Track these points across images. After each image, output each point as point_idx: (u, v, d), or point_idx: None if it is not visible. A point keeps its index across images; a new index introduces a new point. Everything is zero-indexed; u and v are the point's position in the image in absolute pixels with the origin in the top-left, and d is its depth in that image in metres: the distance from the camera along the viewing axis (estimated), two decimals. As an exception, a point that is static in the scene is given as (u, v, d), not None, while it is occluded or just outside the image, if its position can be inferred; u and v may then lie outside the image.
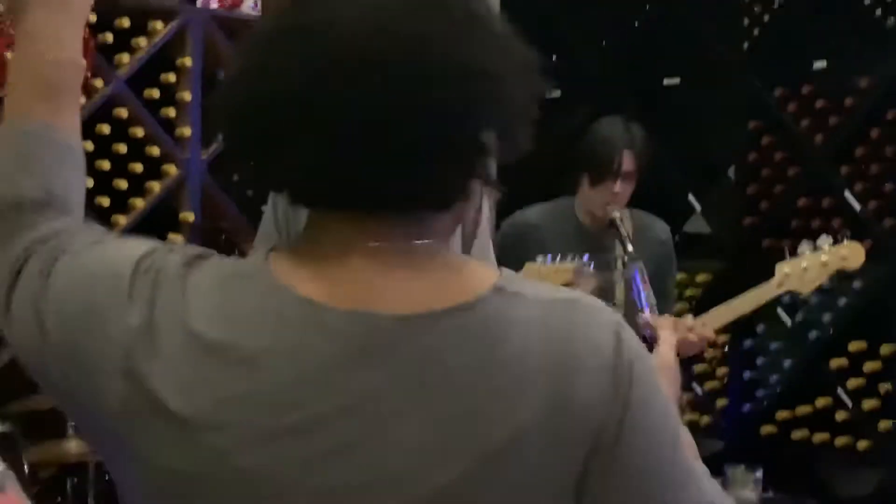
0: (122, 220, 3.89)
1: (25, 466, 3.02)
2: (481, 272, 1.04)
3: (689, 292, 4.18)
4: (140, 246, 1.02)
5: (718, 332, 3.37)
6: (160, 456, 0.96)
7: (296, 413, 0.95)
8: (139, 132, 3.93)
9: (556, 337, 0.98)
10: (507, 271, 1.08)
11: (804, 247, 2.83)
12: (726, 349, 4.12)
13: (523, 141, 1.03)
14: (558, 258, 2.81)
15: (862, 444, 3.71)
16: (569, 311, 1.01)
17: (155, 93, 3.97)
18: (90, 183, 3.80)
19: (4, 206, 1.10)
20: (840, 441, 3.75)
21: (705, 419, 4.07)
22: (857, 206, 3.73)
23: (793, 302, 3.83)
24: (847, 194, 3.75)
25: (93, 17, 3.77)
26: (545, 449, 0.96)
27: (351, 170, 0.96)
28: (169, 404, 0.93)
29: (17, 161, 1.12)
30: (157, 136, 3.97)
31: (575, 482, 0.98)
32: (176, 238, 3.99)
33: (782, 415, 3.91)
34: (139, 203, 3.93)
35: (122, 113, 3.89)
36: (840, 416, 3.77)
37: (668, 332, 1.41)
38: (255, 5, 4.22)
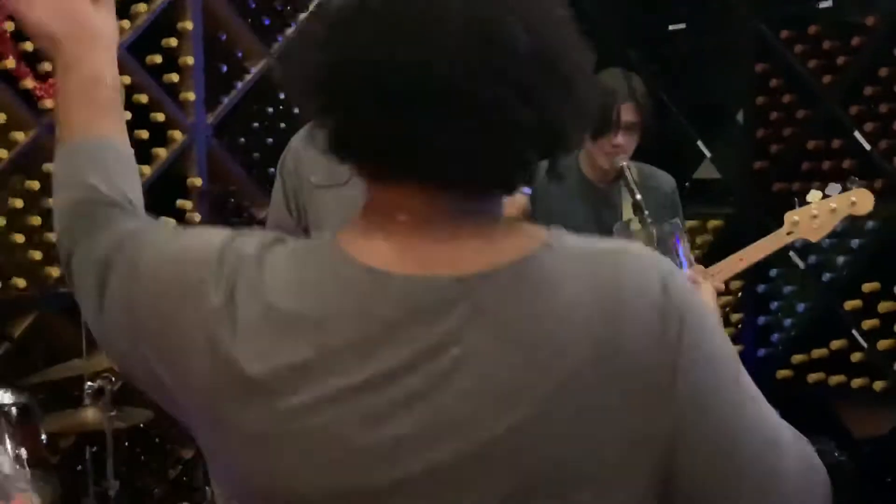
0: (129, 187, 3.90)
1: (43, 437, 3.03)
2: (532, 231, 1.09)
3: (700, 239, 4.19)
4: (220, 234, 1.10)
5: (730, 280, 3.38)
6: (243, 422, 1.03)
7: (361, 372, 1.01)
8: (143, 98, 3.94)
9: (604, 285, 1.03)
10: (555, 229, 1.11)
11: (813, 194, 2.82)
12: (740, 295, 4.13)
13: (586, 126, 1.13)
14: None
15: (878, 385, 3.73)
16: (616, 259, 1.06)
17: (157, 58, 3.98)
18: (96, 151, 3.82)
19: (85, 206, 1.21)
20: (856, 382, 3.78)
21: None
22: (867, 146, 3.72)
23: (806, 245, 3.83)
24: (857, 134, 3.74)
25: (91, -16, 3.78)
26: (599, 392, 1.00)
27: (429, 147, 1.01)
28: (247, 371, 1.01)
29: (91, 168, 1.24)
30: (161, 102, 3.98)
31: (642, 427, 1.01)
32: (185, 204, 4.00)
33: (798, 358, 3.93)
34: (146, 170, 3.93)
35: (125, 80, 3.87)
36: (856, 357, 3.79)
37: (708, 283, 1.44)
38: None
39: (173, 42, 4.01)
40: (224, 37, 4.17)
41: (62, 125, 1.30)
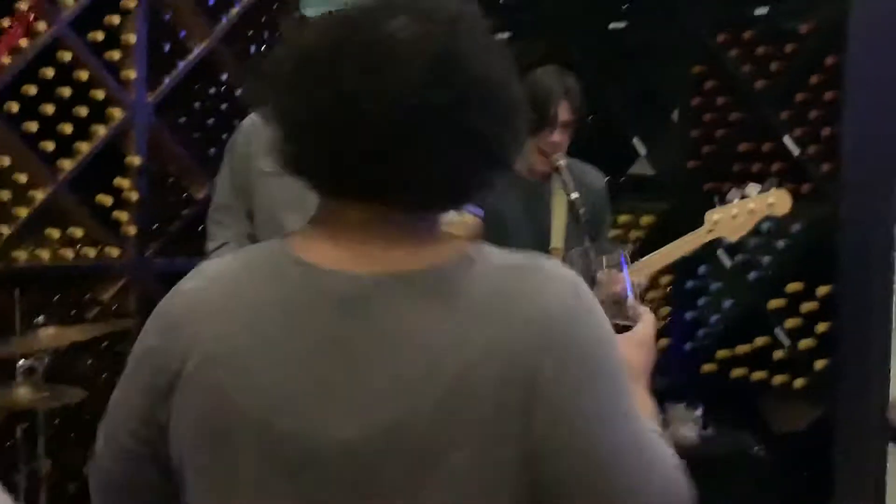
0: (67, 164, 3.87)
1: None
2: (458, 244, 1.20)
3: (634, 233, 4.24)
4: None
5: (657, 275, 3.45)
6: (192, 407, 1.18)
7: (281, 352, 1.14)
8: (83, 75, 3.90)
9: (508, 297, 1.13)
10: (485, 245, 1.21)
11: (734, 194, 2.88)
12: (669, 290, 4.18)
13: (519, 150, 1.21)
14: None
15: (798, 382, 3.79)
16: (525, 274, 1.17)
17: (99, 35, 3.93)
18: (34, 127, 3.78)
19: None
20: (777, 379, 3.84)
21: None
22: (796, 150, 3.78)
23: (733, 244, 3.88)
24: (787, 139, 3.80)
25: (34, -40, 3.74)
26: (488, 391, 1.10)
27: (369, 173, 1.14)
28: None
29: None
30: (102, 79, 3.94)
31: (520, 421, 1.10)
32: (122, 182, 3.98)
33: (722, 353, 3.98)
34: (84, 147, 3.91)
35: (66, 56, 3.85)
36: (777, 354, 3.85)
37: (650, 314, 1.48)
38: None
39: (116, 20, 3.96)
40: (168, 16, 4.14)
41: None
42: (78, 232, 3.91)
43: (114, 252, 3.98)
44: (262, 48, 4.36)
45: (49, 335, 3.29)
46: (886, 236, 3.77)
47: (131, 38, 3.98)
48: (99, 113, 3.95)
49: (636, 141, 4.35)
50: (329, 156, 1.16)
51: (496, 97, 1.16)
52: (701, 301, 4.07)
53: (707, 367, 4.01)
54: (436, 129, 1.12)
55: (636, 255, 3.57)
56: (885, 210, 3.76)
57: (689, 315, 4.06)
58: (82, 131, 3.91)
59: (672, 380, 4.04)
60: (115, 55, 3.97)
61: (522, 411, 1.10)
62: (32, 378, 3.22)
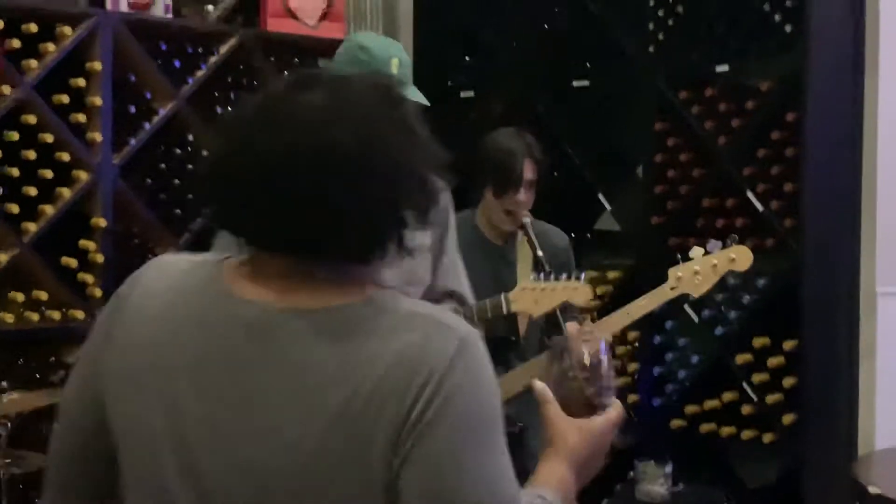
0: (31, 227, 3.86)
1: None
2: (367, 291, 1.30)
3: (600, 289, 4.23)
4: None
5: (624, 331, 3.44)
6: (117, 406, 1.34)
7: (192, 360, 1.29)
8: (48, 138, 3.90)
9: (394, 340, 1.23)
10: (392, 293, 1.33)
11: (695, 250, 2.90)
12: (636, 345, 4.18)
13: (428, 215, 1.32)
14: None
15: (767, 437, 3.78)
16: (419, 322, 1.26)
17: (64, 98, 3.94)
18: (0, 191, 3.77)
19: None
20: (746, 434, 3.82)
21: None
22: (759, 206, 3.79)
23: (700, 300, 3.89)
24: (750, 194, 3.82)
25: (0, 23, 3.74)
26: (365, 423, 1.19)
27: (284, 232, 1.28)
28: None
29: None
30: (67, 142, 3.94)
31: (387, 454, 1.19)
32: (87, 244, 3.96)
33: (691, 409, 3.96)
34: (49, 209, 3.90)
35: (31, 119, 3.85)
36: (746, 409, 3.84)
37: (619, 409, 1.49)
38: (167, 9, 4.19)
39: (81, 82, 3.97)
40: (133, 78, 4.14)
41: None
42: (42, 295, 3.89)
43: (79, 314, 3.94)
44: (228, 109, 4.37)
45: (12, 400, 3.26)
46: (850, 289, 3.81)
47: (97, 101, 3.97)
48: (64, 175, 3.93)
49: (601, 196, 4.36)
50: (251, 214, 1.29)
51: (395, 167, 1.27)
52: (668, 356, 4.06)
53: (676, 423, 3.98)
54: (340, 194, 1.24)
55: (603, 311, 3.60)
56: (848, 262, 3.81)
57: (656, 370, 4.04)
58: (47, 193, 3.90)
59: (641, 436, 4.03)
60: (81, 117, 3.96)
61: (391, 445, 1.19)
62: (-6, 445, 3.20)
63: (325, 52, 4.36)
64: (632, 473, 3.80)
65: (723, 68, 3.89)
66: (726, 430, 3.87)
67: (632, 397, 4.07)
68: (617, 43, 4.19)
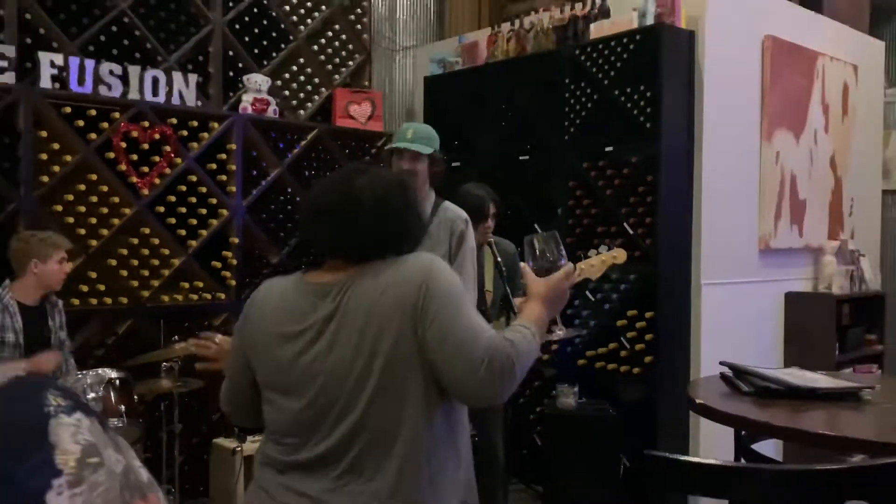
0: (193, 243, 3.90)
1: (136, 397, 3.02)
2: (372, 261, 1.42)
3: (535, 282, 4.25)
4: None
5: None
6: (258, 359, 1.46)
7: (292, 328, 1.40)
8: (203, 189, 3.95)
9: (398, 271, 1.38)
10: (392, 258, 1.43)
11: (592, 252, 2.92)
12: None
13: (418, 239, 1.49)
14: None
15: (635, 370, 3.80)
16: (407, 259, 1.41)
17: (213, 165, 4.00)
18: (173, 220, 3.81)
19: None
20: (623, 368, 3.85)
21: (545, 356, 4.08)
22: (630, 231, 3.82)
23: (595, 286, 3.94)
24: (625, 224, 3.84)
25: (173, 121, 3.79)
26: (397, 313, 1.33)
27: (332, 245, 1.46)
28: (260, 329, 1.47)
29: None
30: (214, 191, 3.98)
31: (414, 331, 1.33)
32: (227, 253, 4.01)
33: (590, 353, 3.97)
34: (204, 233, 3.95)
35: (193, 178, 3.91)
36: (623, 353, 3.86)
37: (568, 267, 1.59)
38: (276, 112, 4.24)
39: (223, 156, 4.03)
40: (255, 153, 4.21)
41: None
42: (199, 284, 3.94)
43: (221, 296, 4.00)
44: (313, 173, 4.42)
45: (181, 347, 3.30)
46: (685, 281, 3.86)
47: (233, 167, 4.03)
48: (213, 211, 3.99)
49: (536, 226, 4.36)
50: (320, 237, 1.46)
51: (391, 215, 1.44)
52: (576, 321, 4.06)
53: (581, 362, 3.99)
54: (364, 230, 1.41)
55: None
56: (685, 265, 3.85)
57: (553, 346, 4.00)
58: (203, 223, 3.95)
59: (559, 370, 4.04)
60: (223, 177, 4.02)
61: (412, 320, 1.33)
62: (171, 374, 3.24)
63: (370, 139, 4.43)
64: (554, 392, 3.84)
65: (609, 149, 3.91)
66: (611, 366, 3.89)
67: (555, 346, 4.07)
68: (545, 135, 4.21)
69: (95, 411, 0.47)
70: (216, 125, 3.95)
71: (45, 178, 3.47)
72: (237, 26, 4.26)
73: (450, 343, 1.31)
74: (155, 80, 3.77)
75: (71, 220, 3.55)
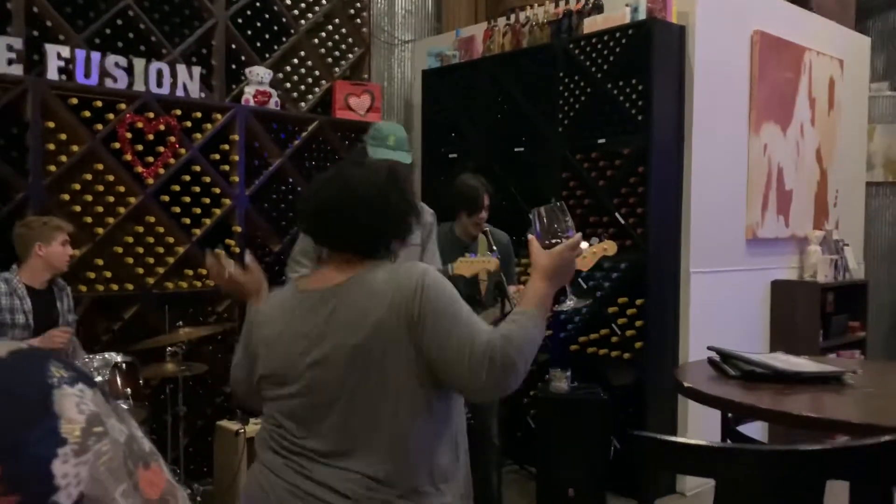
0: (197, 231, 3.88)
1: (141, 381, 3.03)
2: (360, 268, 1.41)
3: (529, 270, 4.25)
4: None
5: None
6: (267, 354, 1.47)
7: (296, 329, 1.41)
8: (207, 179, 3.93)
9: (396, 279, 1.36)
10: (380, 262, 1.43)
11: (584, 244, 2.90)
12: (551, 302, 4.19)
13: (410, 233, 1.48)
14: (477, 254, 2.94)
15: (626, 356, 3.83)
16: (399, 269, 1.39)
17: (216, 156, 3.97)
18: (178, 209, 3.80)
19: None
20: (614, 354, 3.87)
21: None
22: (622, 221, 3.83)
23: (587, 275, 3.95)
24: (617, 214, 3.85)
25: (177, 112, 3.77)
26: (392, 323, 1.32)
27: (333, 240, 1.45)
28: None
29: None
30: (218, 181, 3.97)
31: (408, 336, 1.32)
32: (230, 241, 4.00)
33: (582, 339, 3.99)
34: (207, 221, 3.93)
35: (197, 168, 3.89)
36: (614, 339, 3.88)
37: (575, 237, 1.52)
38: (277, 104, 4.22)
39: (226, 146, 4.01)
40: (257, 144, 4.19)
41: None
42: (203, 271, 3.92)
43: (224, 283, 3.99)
44: (313, 164, 4.41)
45: (185, 332, 3.31)
46: (674, 269, 3.87)
47: (235, 157, 4.01)
48: (216, 201, 3.97)
49: (530, 217, 4.37)
50: (319, 228, 1.46)
51: (391, 207, 1.43)
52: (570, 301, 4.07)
53: (573, 347, 4.02)
54: (362, 220, 1.41)
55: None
56: (674, 254, 3.86)
57: (562, 316, 4.08)
58: (206, 212, 3.94)
59: (553, 354, 4.06)
60: (226, 167, 4.00)
61: (409, 331, 1.31)
62: (175, 358, 3.24)
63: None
64: (547, 376, 3.85)
65: (602, 141, 3.91)
66: (602, 351, 3.91)
67: (548, 332, 4.08)
68: (539, 127, 4.21)
69: (97, 382, 0.47)
70: (219, 116, 3.93)
71: (53, 168, 3.45)
72: (240, 20, 4.24)
73: (448, 350, 1.31)
74: (159, 73, 3.75)
75: (78, 208, 3.54)
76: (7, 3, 3.51)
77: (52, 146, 3.44)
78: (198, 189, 3.87)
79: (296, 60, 4.52)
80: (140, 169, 3.69)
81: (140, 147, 3.68)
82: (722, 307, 3.98)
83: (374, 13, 4.97)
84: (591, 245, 2.94)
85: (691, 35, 3.80)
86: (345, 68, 4.66)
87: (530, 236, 1.52)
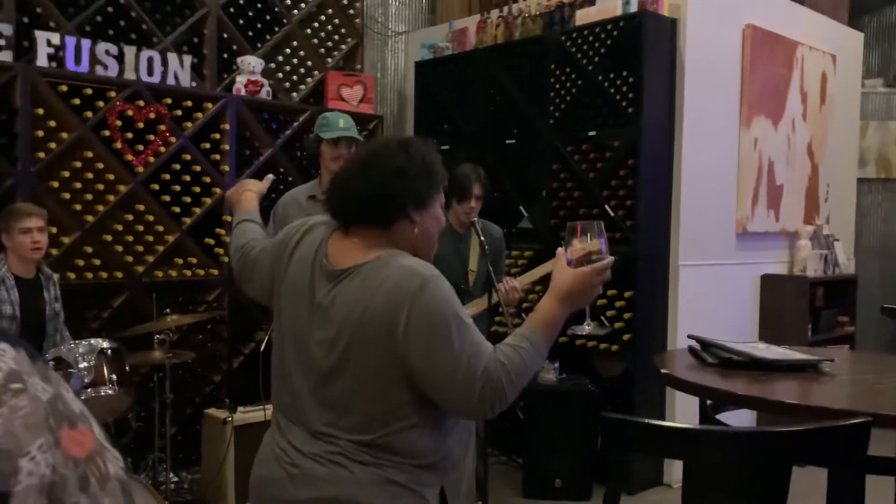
0: (187, 220, 3.89)
1: (127, 367, 3.02)
2: (381, 251, 1.36)
3: (520, 262, 4.28)
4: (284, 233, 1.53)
5: (531, 285, 3.47)
6: (281, 302, 1.46)
7: (309, 298, 1.39)
8: (198, 168, 3.93)
9: (389, 281, 1.30)
10: (403, 254, 1.37)
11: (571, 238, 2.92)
12: (540, 294, 4.19)
13: (425, 201, 1.41)
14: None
15: (614, 348, 3.84)
16: (404, 272, 1.30)
17: (207, 145, 3.98)
18: (168, 198, 3.80)
19: (242, 248, 1.66)
20: (602, 346, 3.88)
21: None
22: (612, 213, 3.84)
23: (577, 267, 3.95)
24: (607, 207, 3.85)
25: (168, 101, 3.77)
26: (377, 324, 1.29)
27: (348, 214, 1.41)
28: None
29: (240, 234, 1.73)
30: (208, 171, 3.97)
31: (392, 342, 1.27)
32: (220, 231, 4.01)
33: (570, 331, 3.96)
34: (197, 210, 3.94)
35: (188, 157, 3.89)
36: (602, 331, 3.87)
37: (602, 263, 1.46)
38: (269, 94, 4.22)
39: (217, 136, 4.01)
40: (248, 133, 4.19)
41: (234, 216, 1.85)
42: (193, 260, 3.94)
43: (214, 272, 4.00)
44: (305, 154, 4.41)
45: (173, 319, 3.31)
46: (663, 262, 3.88)
47: (226, 147, 4.02)
48: (206, 190, 3.98)
49: (521, 208, 4.40)
50: (335, 207, 1.43)
51: (398, 169, 1.37)
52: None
53: (562, 339, 3.99)
54: (372, 183, 1.38)
55: (523, 270, 3.62)
56: (663, 247, 3.87)
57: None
58: (196, 200, 3.94)
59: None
60: (217, 156, 4.00)
61: (392, 337, 1.27)
62: (163, 346, 3.24)
63: (362, 122, 4.42)
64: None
65: (592, 133, 3.92)
66: (591, 343, 3.92)
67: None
68: (531, 119, 4.21)
69: (25, 344, 0.48)
70: (210, 105, 3.93)
71: (42, 155, 3.46)
72: (231, 9, 4.24)
73: (436, 376, 1.27)
74: (150, 61, 3.75)
75: (67, 196, 3.55)
76: (-3, -11, 3.51)
77: (41, 133, 3.44)
78: (188, 178, 3.88)
79: (288, 50, 4.52)
80: (130, 157, 3.70)
81: (130, 135, 3.69)
82: (711, 300, 4.00)
83: (367, 4, 4.97)
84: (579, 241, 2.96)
85: (683, 28, 3.80)
86: (338, 59, 4.66)
87: (559, 250, 1.44)
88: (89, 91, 3.57)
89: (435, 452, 1.35)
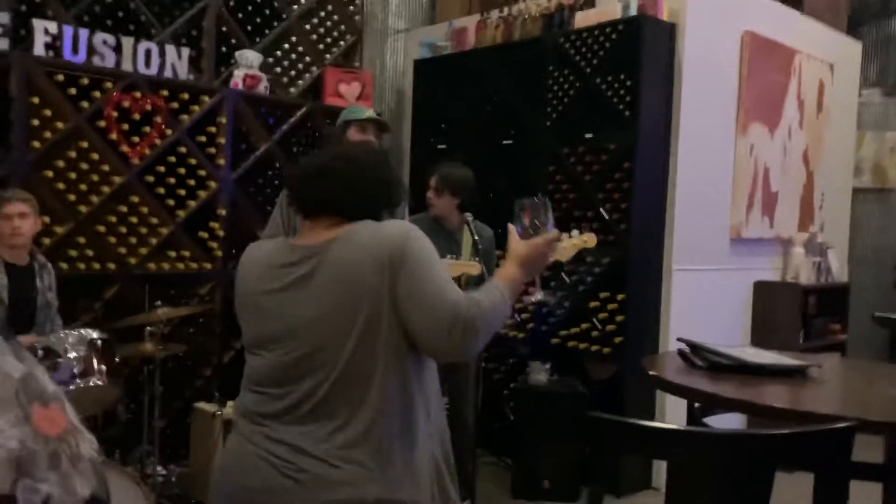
0: (181, 213, 3.89)
1: (118, 359, 3.01)
2: (351, 225, 1.45)
3: (514, 263, 4.27)
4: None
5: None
6: (245, 318, 1.52)
7: (273, 285, 1.45)
8: (193, 161, 3.93)
9: (375, 235, 1.41)
10: (364, 222, 1.46)
11: (565, 236, 2.91)
12: (534, 295, 4.21)
13: (397, 204, 1.55)
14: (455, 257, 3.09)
15: (605, 350, 3.84)
16: (386, 226, 1.43)
17: (203, 138, 3.98)
18: (162, 191, 3.80)
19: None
20: (594, 348, 3.88)
21: (520, 334, 4.13)
22: (606, 216, 3.84)
23: (570, 269, 3.97)
24: (601, 209, 3.86)
25: (165, 93, 3.77)
26: (372, 274, 1.36)
27: (314, 205, 1.49)
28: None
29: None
30: (204, 164, 3.97)
31: (388, 287, 1.36)
32: (214, 224, 4.00)
33: (563, 333, 4.00)
34: (192, 203, 3.94)
35: (183, 150, 3.89)
36: (594, 334, 3.88)
37: (552, 233, 1.60)
38: (266, 89, 4.22)
39: (213, 129, 4.01)
40: (244, 128, 4.19)
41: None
42: (186, 253, 3.94)
43: (208, 265, 4.00)
44: (301, 149, 4.42)
45: (163, 312, 3.31)
46: (657, 265, 3.89)
47: (222, 140, 4.02)
48: (201, 183, 3.98)
49: (514, 207, 4.38)
50: (300, 201, 1.50)
51: (383, 174, 1.52)
52: (549, 299, 4.08)
53: (554, 341, 4.02)
54: (339, 190, 1.47)
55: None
56: (656, 250, 3.88)
57: (543, 310, 4.08)
58: (192, 194, 3.94)
59: (533, 348, 4.08)
60: (212, 150, 4.01)
61: (389, 278, 1.35)
62: (154, 338, 3.24)
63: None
64: (527, 369, 3.88)
65: (589, 135, 3.92)
66: (582, 346, 3.92)
67: (530, 325, 4.11)
68: (528, 120, 4.21)
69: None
70: (207, 99, 3.93)
71: (37, 144, 3.45)
72: (231, 3, 4.24)
73: (418, 300, 1.35)
74: (148, 53, 3.75)
75: (62, 185, 3.54)
76: (-5, -24, 3.50)
77: (36, 122, 3.44)
78: (183, 171, 3.88)
79: (287, 45, 4.52)
80: (125, 148, 3.69)
81: (126, 126, 3.68)
82: (703, 305, 4.01)
83: (367, 1, 4.97)
84: (571, 237, 2.96)
85: (681, 33, 3.82)
86: (336, 55, 4.66)
87: (510, 225, 1.58)
88: (86, 81, 3.57)
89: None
